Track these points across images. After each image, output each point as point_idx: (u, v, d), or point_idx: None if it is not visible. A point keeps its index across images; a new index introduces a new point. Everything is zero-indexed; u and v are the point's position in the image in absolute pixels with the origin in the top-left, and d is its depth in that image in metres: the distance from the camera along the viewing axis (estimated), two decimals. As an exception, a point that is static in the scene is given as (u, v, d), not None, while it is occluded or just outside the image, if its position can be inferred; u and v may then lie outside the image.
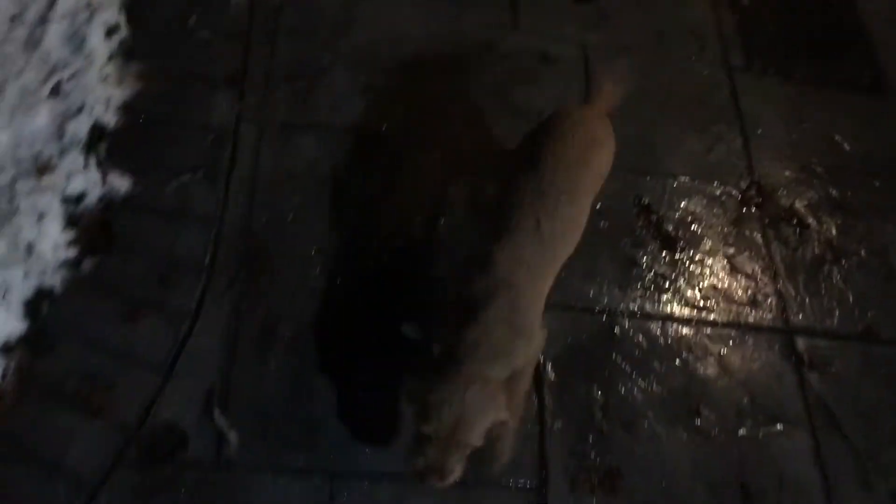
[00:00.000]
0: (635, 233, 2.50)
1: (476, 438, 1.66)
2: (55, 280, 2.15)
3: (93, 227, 2.26)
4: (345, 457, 1.98)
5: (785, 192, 2.67)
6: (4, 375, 1.95)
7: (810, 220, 2.62)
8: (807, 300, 2.46)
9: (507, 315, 1.76)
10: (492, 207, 2.00)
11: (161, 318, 2.13)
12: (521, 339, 1.78)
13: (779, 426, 2.21)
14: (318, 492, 1.93)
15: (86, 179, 2.33)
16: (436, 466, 1.64)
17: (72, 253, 2.20)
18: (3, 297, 2.07)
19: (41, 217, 2.22)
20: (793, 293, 2.47)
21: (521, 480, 2.04)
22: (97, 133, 2.38)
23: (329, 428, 2.02)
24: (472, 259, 1.87)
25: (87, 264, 2.19)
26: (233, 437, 1.96)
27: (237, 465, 1.94)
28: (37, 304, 2.10)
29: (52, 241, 2.19)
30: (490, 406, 1.68)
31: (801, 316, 2.43)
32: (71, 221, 2.25)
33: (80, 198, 2.30)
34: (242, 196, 2.37)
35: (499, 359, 1.74)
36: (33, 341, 2.04)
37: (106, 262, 2.21)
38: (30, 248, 2.16)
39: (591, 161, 1.99)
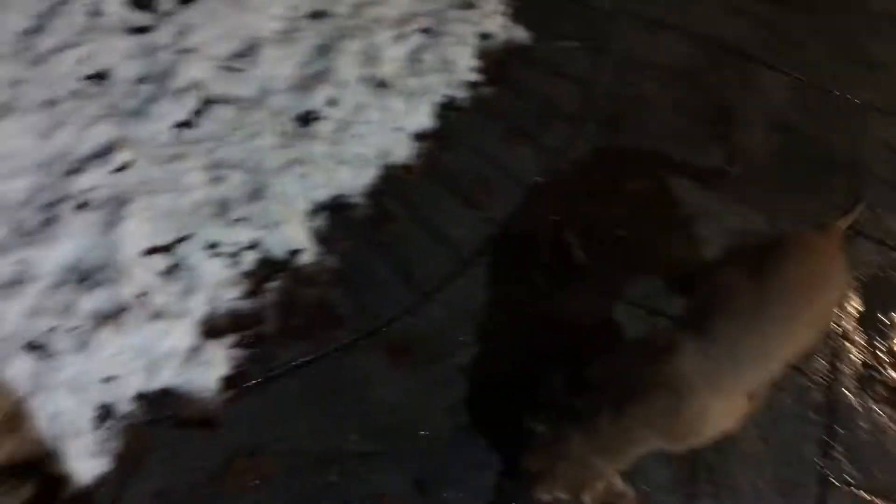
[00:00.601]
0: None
1: None
2: (461, 94, 2.67)
3: (495, 61, 2.76)
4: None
5: None
6: (418, 156, 2.51)
7: None
8: None
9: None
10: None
11: (533, 148, 2.62)
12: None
13: None
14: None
15: (495, 23, 2.82)
16: None
17: (476, 77, 2.71)
18: (423, 95, 2.61)
19: (460, 41, 2.74)
20: None
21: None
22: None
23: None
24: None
25: (485, 90, 2.70)
26: (578, 254, 2.43)
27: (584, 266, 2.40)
28: (446, 109, 2.63)
29: (466, 63, 2.70)
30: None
31: None
32: (480, 52, 2.75)
33: (488, 35, 2.80)
34: (611, 71, 2.80)
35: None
36: (439, 137, 2.58)
37: (499, 92, 2.70)
38: (450, 64, 2.68)
39: (820, 296, 1.80)
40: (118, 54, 2.41)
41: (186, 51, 2.46)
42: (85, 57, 2.38)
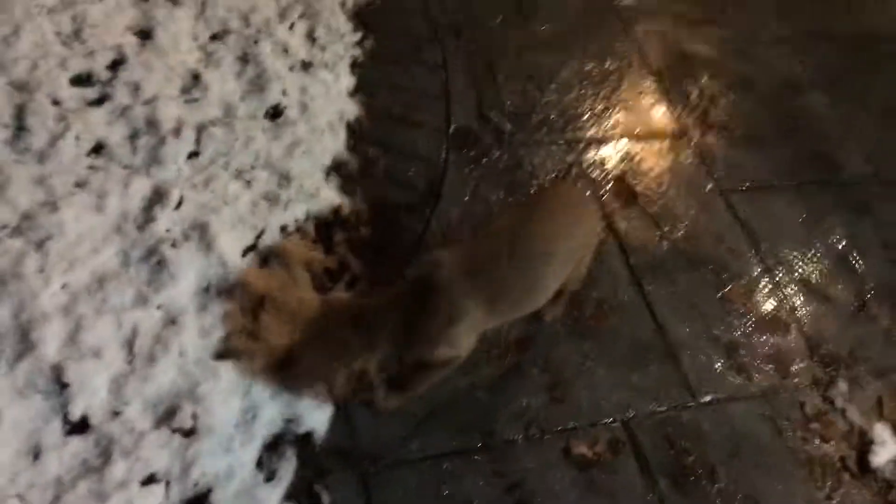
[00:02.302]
0: None
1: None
2: (356, 52, 3.28)
3: (360, 14, 3.39)
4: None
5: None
6: (361, 107, 3.10)
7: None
8: None
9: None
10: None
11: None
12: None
13: None
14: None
15: (343, -11, 3.42)
16: None
17: (358, 35, 3.32)
18: (337, 63, 3.17)
19: (332, 11, 3.32)
20: None
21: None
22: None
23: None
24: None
25: (367, 42, 3.33)
26: (507, 127, 3.21)
27: (513, 142, 3.20)
28: (355, 66, 3.23)
29: (346, 27, 3.31)
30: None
31: None
32: (351, 14, 3.37)
33: None
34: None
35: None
36: (364, 88, 3.18)
37: (376, 37, 3.36)
38: (334, 32, 3.27)
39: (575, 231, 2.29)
40: (100, 125, 2.69)
41: (148, 101, 2.79)
42: (76, 139, 2.63)
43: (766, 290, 2.98)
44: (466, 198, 2.95)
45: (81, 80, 2.84)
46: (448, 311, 2.06)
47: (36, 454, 2.04)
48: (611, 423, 2.48)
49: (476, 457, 2.34)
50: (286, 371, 2.26)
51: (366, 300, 2.22)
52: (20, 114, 2.65)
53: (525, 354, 2.58)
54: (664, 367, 2.65)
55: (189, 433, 2.15)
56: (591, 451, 2.40)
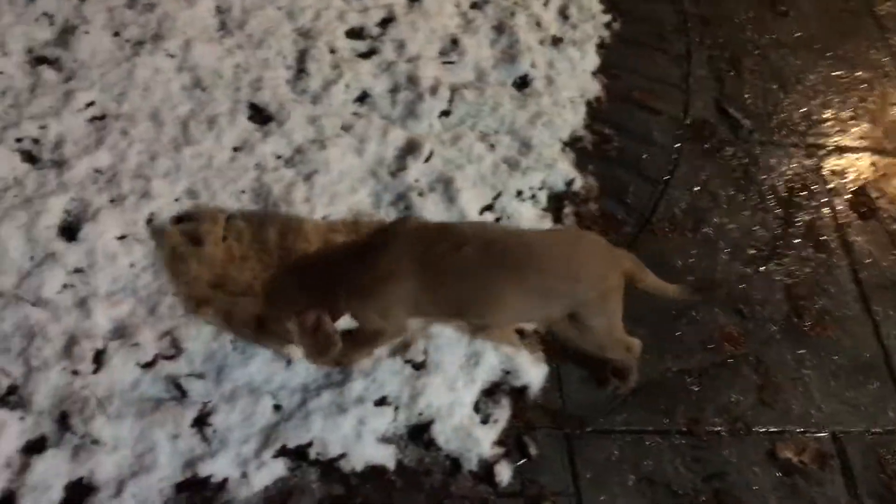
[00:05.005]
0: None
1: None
2: (604, 33, 3.34)
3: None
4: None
5: None
6: (602, 87, 3.17)
7: None
8: None
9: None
10: None
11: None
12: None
13: None
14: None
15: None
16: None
17: (608, 17, 3.38)
18: (585, 42, 3.25)
19: (586, -6, 3.40)
20: None
21: None
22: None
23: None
24: None
25: (615, 25, 3.39)
26: (745, 123, 3.18)
27: (750, 140, 3.17)
28: (600, 48, 3.30)
29: (597, 8, 3.37)
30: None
31: None
32: (602, -3, 3.44)
33: (599, -18, 3.47)
34: None
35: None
36: (606, 69, 3.25)
37: (624, 21, 3.40)
38: (586, 11, 3.35)
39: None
40: (367, 76, 2.93)
41: (411, 59, 3.00)
42: (345, 86, 2.89)
43: None
44: (696, 188, 2.97)
45: (355, 34, 3.11)
46: (386, 270, 2.02)
47: (288, 361, 2.30)
48: (820, 434, 2.45)
49: (678, 440, 2.39)
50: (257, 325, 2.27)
51: (322, 249, 2.31)
52: (302, 58, 2.95)
53: (737, 350, 2.59)
54: (884, 389, 2.57)
55: (419, 366, 2.35)
56: (797, 458, 2.38)
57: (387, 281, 2.04)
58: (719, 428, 2.42)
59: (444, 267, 2.03)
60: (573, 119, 3.02)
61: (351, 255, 2.11)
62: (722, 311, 2.66)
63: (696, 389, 2.49)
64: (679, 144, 3.10)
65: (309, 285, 2.08)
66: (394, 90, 2.93)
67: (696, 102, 3.26)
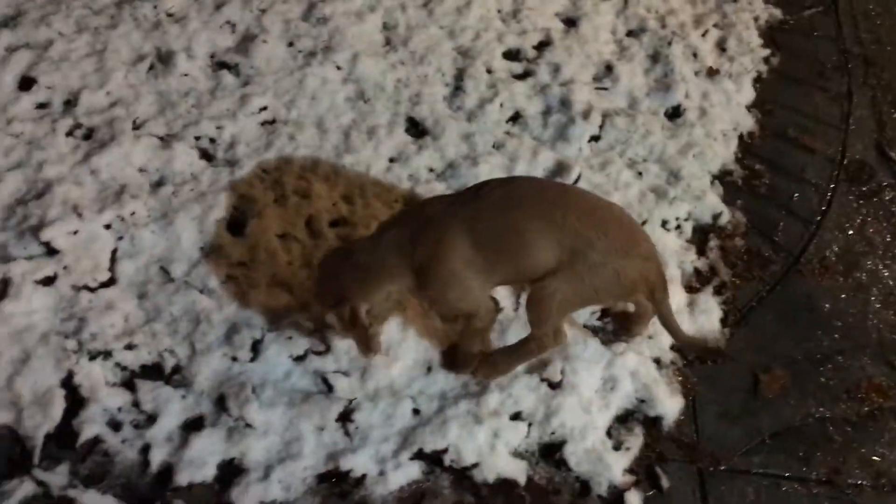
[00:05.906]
0: None
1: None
2: (761, 67, 3.29)
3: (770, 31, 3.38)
4: None
5: None
6: (755, 122, 3.11)
7: None
8: None
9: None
10: None
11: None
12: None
13: None
14: None
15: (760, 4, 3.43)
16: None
17: (766, 52, 3.32)
18: (741, 75, 3.21)
19: (745, 27, 3.35)
20: None
21: None
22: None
23: None
24: None
25: (773, 60, 3.32)
26: None
27: None
28: (756, 82, 3.25)
29: (756, 42, 3.32)
30: None
31: None
32: (762, 31, 3.38)
33: (759, 17, 3.42)
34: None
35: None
36: (761, 104, 3.20)
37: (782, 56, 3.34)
38: (744, 45, 3.30)
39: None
40: (521, 97, 3.00)
41: (565, 83, 3.05)
42: (500, 105, 2.97)
43: None
44: (850, 231, 2.87)
45: (512, 55, 3.19)
46: (435, 245, 2.08)
47: (429, 368, 2.38)
48: (978, 507, 2.32)
49: (817, 489, 2.32)
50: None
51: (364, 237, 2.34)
52: (460, 76, 3.06)
53: (885, 403, 2.49)
54: None
55: (555, 385, 2.38)
56: (945, 522, 2.27)
57: (444, 257, 2.09)
58: (862, 482, 2.33)
59: (487, 220, 2.09)
60: (724, 152, 2.99)
61: (387, 244, 2.15)
62: (871, 361, 2.57)
63: (840, 439, 2.41)
64: (834, 185, 3.01)
65: (350, 276, 2.17)
66: (546, 112, 2.99)
67: (856, 143, 3.16)
